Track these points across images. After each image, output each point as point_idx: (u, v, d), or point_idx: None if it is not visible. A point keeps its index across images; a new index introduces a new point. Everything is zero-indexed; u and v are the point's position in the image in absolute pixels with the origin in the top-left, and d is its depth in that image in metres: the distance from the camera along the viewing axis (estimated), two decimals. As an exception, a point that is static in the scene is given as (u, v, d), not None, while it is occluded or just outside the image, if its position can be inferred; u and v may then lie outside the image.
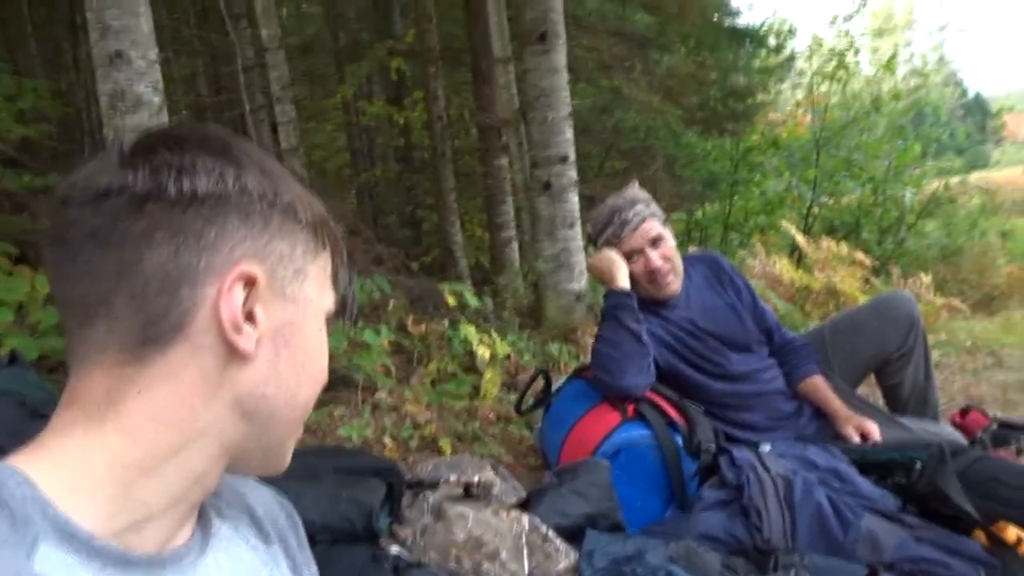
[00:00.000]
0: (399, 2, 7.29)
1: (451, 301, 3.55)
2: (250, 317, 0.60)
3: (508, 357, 3.60)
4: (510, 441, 2.97)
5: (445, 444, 2.82)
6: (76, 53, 8.29)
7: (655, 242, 2.43)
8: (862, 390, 2.75)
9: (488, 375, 3.38)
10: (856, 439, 2.22)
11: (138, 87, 2.78)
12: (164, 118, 2.87)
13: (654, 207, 2.50)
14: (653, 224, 2.44)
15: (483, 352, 3.41)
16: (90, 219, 0.56)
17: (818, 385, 2.44)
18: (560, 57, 4.11)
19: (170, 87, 2.92)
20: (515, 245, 5.66)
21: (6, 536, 0.50)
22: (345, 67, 9.38)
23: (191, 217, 0.58)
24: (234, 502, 0.75)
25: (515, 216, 5.73)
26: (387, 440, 2.80)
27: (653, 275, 2.42)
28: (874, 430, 2.22)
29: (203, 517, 0.67)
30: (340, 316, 0.72)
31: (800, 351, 2.54)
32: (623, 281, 2.38)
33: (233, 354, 0.60)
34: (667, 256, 2.43)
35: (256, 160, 0.63)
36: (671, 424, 2.20)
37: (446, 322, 3.72)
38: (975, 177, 10.12)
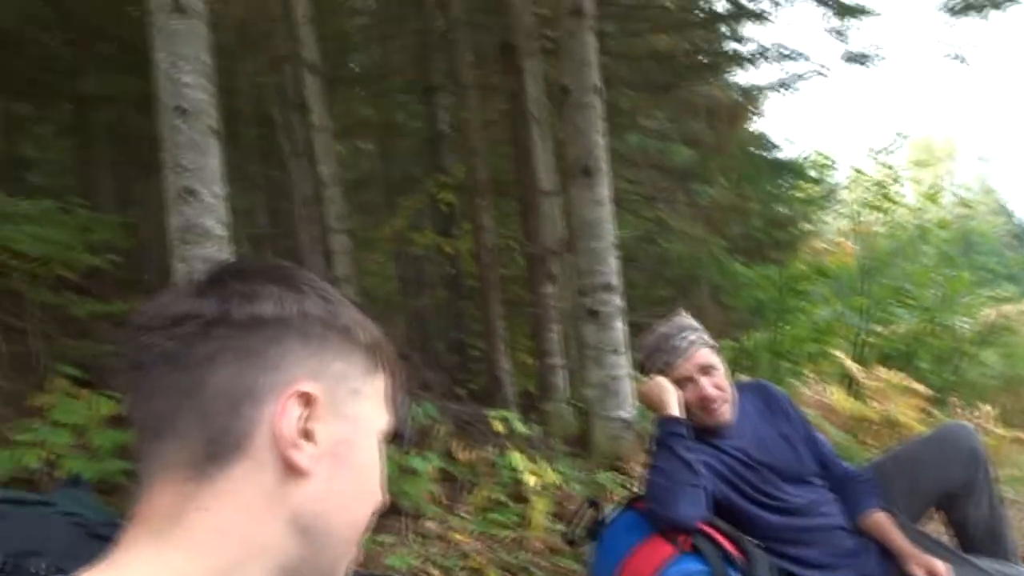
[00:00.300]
0: (448, 139, 7.67)
1: (499, 428, 3.54)
2: (308, 435, 0.62)
3: (556, 485, 3.54)
4: (560, 574, 2.88)
5: (493, 575, 2.74)
6: (146, 190, 8.85)
7: (706, 370, 2.42)
8: (931, 527, 2.63)
9: (537, 504, 3.31)
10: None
11: (206, 221, 2.94)
12: (227, 249, 3.01)
13: (704, 335, 2.50)
14: (704, 351, 2.43)
15: (531, 480, 3.36)
16: (163, 343, 0.60)
17: (881, 521, 2.33)
18: (604, 190, 4.25)
19: (231, 219, 3.09)
20: (562, 372, 5.66)
21: None
22: (396, 200, 9.81)
23: (254, 339, 0.61)
24: None
25: (562, 343, 5.75)
26: (433, 570, 2.73)
27: (705, 403, 2.39)
28: (943, 570, 2.10)
29: None
30: (396, 438, 0.73)
31: (861, 484, 2.44)
32: (675, 409, 2.35)
33: (291, 471, 0.61)
34: (719, 384, 2.41)
35: (315, 287, 0.67)
36: (728, 559, 2.11)
37: (494, 449, 3.69)
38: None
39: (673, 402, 2.37)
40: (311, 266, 5.74)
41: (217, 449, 0.60)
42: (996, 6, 6.15)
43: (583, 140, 4.21)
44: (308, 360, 0.63)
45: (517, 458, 3.39)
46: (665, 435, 2.31)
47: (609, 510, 2.65)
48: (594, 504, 2.64)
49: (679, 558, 2.10)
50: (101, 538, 1.72)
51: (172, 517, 0.59)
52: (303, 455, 0.61)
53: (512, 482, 3.58)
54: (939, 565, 2.11)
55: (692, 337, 2.45)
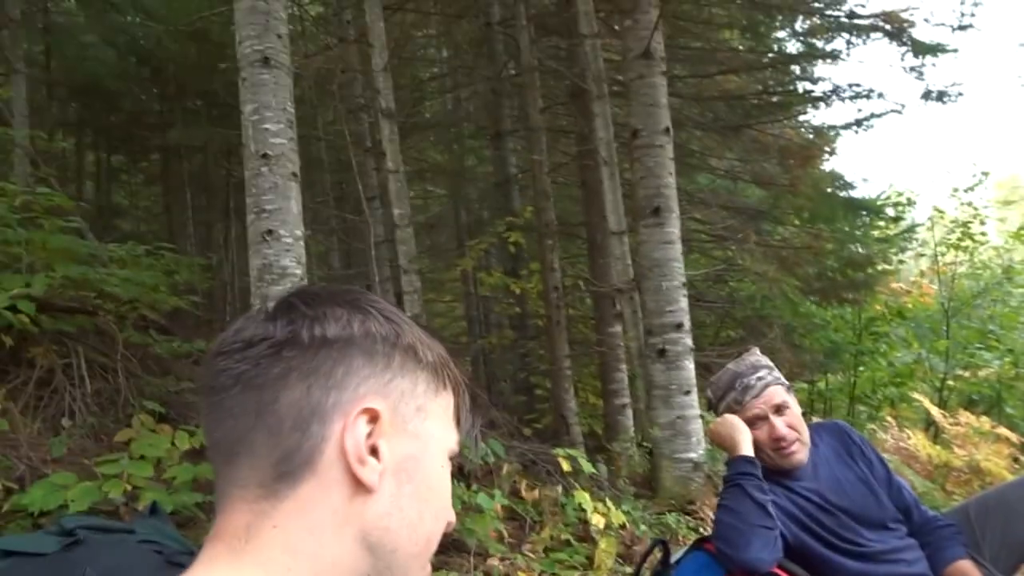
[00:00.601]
0: (518, 182, 7.80)
1: (565, 467, 3.53)
2: (374, 451, 0.64)
3: (623, 526, 3.49)
4: (626, 616, 2.83)
5: (559, 618, 2.71)
6: (227, 234, 9.25)
7: (779, 409, 2.37)
8: (1020, 578, 2.50)
9: (603, 544, 3.28)
10: None
11: (284, 260, 3.07)
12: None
13: (777, 373, 2.46)
14: (777, 390, 2.39)
15: (597, 520, 3.33)
16: (237, 366, 0.64)
17: (967, 571, 2.22)
18: (674, 230, 4.26)
19: (308, 262, 3.22)
20: (629, 412, 5.61)
21: None
22: (466, 242, 9.99)
23: (322, 359, 0.64)
24: None
25: (629, 383, 5.72)
26: (499, 611, 2.73)
27: (778, 443, 2.34)
28: None
29: None
30: (462, 469, 0.76)
31: (945, 531, 2.34)
32: (747, 448, 2.31)
33: (358, 487, 0.63)
34: (792, 424, 2.36)
35: (380, 308, 0.70)
36: (802, 605, 2.06)
37: (560, 488, 3.68)
38: None
39: (746, 441, 2.33)
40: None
41: (288, 467, 0.63)
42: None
43: (653, 180, 4.23)
44: (373, 378, 0.66)
45: (584, 497, 3.37)
46: (736, 475, 2.27)
47: (678, 552, 2.61)
48: (663, 545, 2.61)
49: (750, 602, 2.06)
50: (179, 566, 1.80)
51: (246, 534, 0.62)
52: (369, 471, 0.63)
53: (578, 522, 3.55)
54: None
55: (765, 375, 2.42)
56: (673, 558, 2.56)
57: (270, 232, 3.04)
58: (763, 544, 2.15)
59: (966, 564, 2.23)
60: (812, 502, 2.34)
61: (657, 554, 2.62)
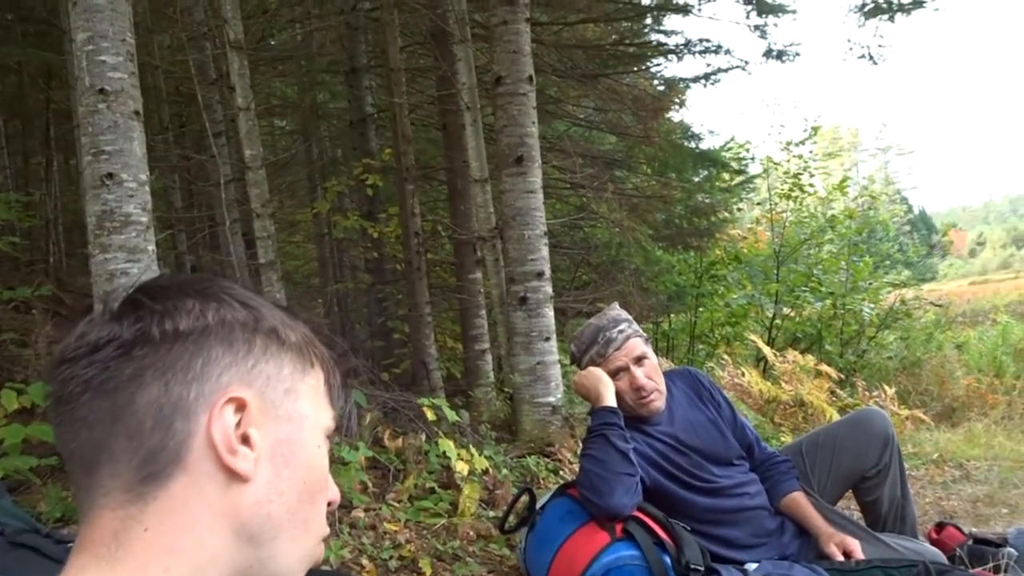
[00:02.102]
0: (375, 122, 7.56)
1: (430, 415, 3.55)
2: (245, 440, 0.63)
3: (486, 472, 3.57)
4: (491, 561, 2.92)
5: (425, 565, 2.76)
6: (48, 167, 8.42)
7: (639, 360, 2.50)
8: (841, 506, 2.79)
9: (466, 491, 3.34)
10: (839, 557, 2.23)
11: (127, 207, 2.84)
12: (151, 237, 2.92)
13: (636, 327, 2.58)
14: (637, 343, 2.52)
15: (461, 467, 3.38)
16: (85, 372, 0.61)
17: (799, 501, 2.46)
18: (536, 179, 4.29)
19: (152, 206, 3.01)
20: (489, 357, 5.70)
21: None
22: (318, 182, 9.63)
23: (177, 353, 0.62)
24: None
25: (489, 329, 5.80)
26: (365, 561, 2.74)
27: (639, 392, 2.48)
28: (856, 548, 2.24)
29: None
30: (338, 432, 0.76)
31: (782, 467, 2.58)
32: (610, 399, 2.43)
33: (232, 478, 0.62)
34: (651, 374, 2.50)
35: (234, 294, 0.68)
36: (659, 543, 2.20)
37: (423, 436, 3.71)
38: (925, 290, 10.51)
39: (608, 392, 2.45)
40: (232, 251, 5.59)
41: (154, 468, 0.60)
42: (903, 10, 6.45)
43: (516, 129, 4.23)
44: (235, 366, 0.64)
45: (448, 445, 3.41)
46: (600, 425, 2.38)
47: (543, 497, 2.71)
48: (528, 491, 2.71)
49: (613, 545, 2.18)
50: (20, 546, 1.67)
51: (116, 541, 0.60)
52: (242, 460, 0.62)
53: (441, 469, 3.60)
54: (852, 542, 2.25)
55: (626, 329, 2.54)
56: (538, 504, 2.66)
57: (110, 176, 2.80)
58: (625, 490, 2.28)
59: (799, 495, 2.47)
60: (668, 445, 2.50)
61: (524, 500, 2.72)
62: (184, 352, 0.62)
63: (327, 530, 0.70)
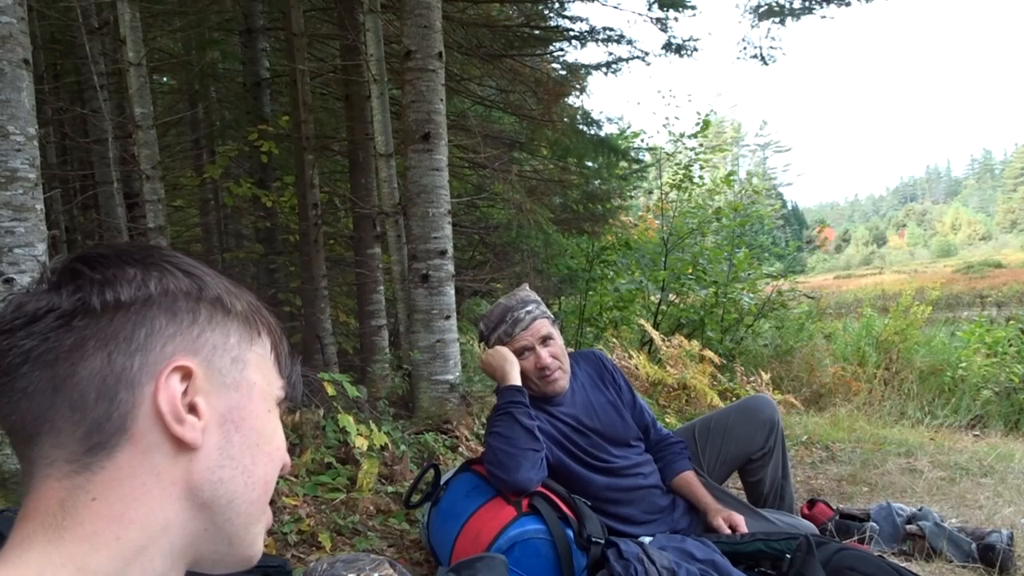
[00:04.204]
0: (271, 86, 7.31)
1: (330, 391, 3.50)
2: (193, 409, 0.63)
3: (384, 447, 3.57)
4: (392, 535, 2.93)
5: (325, 539, 2.74)
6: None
7: (545, 340, 2.57)
8: (727, 485, 2.96)
9: (365, 466, 3.33)
10: (726, 530, 2.39)
11: (14, 162, 2.65)
12: (39, 195, 2.74)
13: (544, 308, 2.65)
14: (543, 323, 2.58)
15: (360, 443, 3.37)
16: (23, 343, 0.59)
17: (690, 480, 2.61)
18: (442, 157, 4.28)
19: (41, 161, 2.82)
20: (385, 333, 5.67)
21: None
22: (204, 145, 9.20)
23: (119, 324, 0.61)
24: None
25: (386, 305, 5.76)
26: (265, 536, 2.69)
27: (543, 372, 2.55)
28: (741, 522, 2.40)
29: None
30: (288, 400, 0.76)
31: (675, 448, 2.72)
32: (515, 378, 2.49)
33: (181, 447, 0.62)
34: (556, 354, 2.58)
35: (177, 263, 0.67)
36: (563, 518, 2.28)
37: (321, 411, 3.66)
38: (795, 282, 11.16)
39: (514, 372, 2.51)
40: (116, 213, 5.30)
41: (100, 438, 0.60)
42: (793, 14, 6.80)
43: (424, 106, 4.20)
44: (180, 336, 0.64)
45: (348, 420, 3.38)
46: (507, 403, 2.44)
47: (447, 473, 2.75)
48: (434, 467, 2.73)
49: (519, 519, 2.24)
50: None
51: (63, 510, 0.59)
52: (189, 429, 0.62)
53: (339, 444, 3.57)
54: (737, 517, 2.42)
55: (533, 309, 2.60)
56: (443, 479, 2.70)
57: (-5, 128, 2.60)
58: (531, 465, 2.35)
59: (689, 475, 2.62)
60: (569, 425, 2.59)
61: (429, 476, 2.75)
62: (127, 323, 0.61)
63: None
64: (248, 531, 0.68)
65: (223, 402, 0.65)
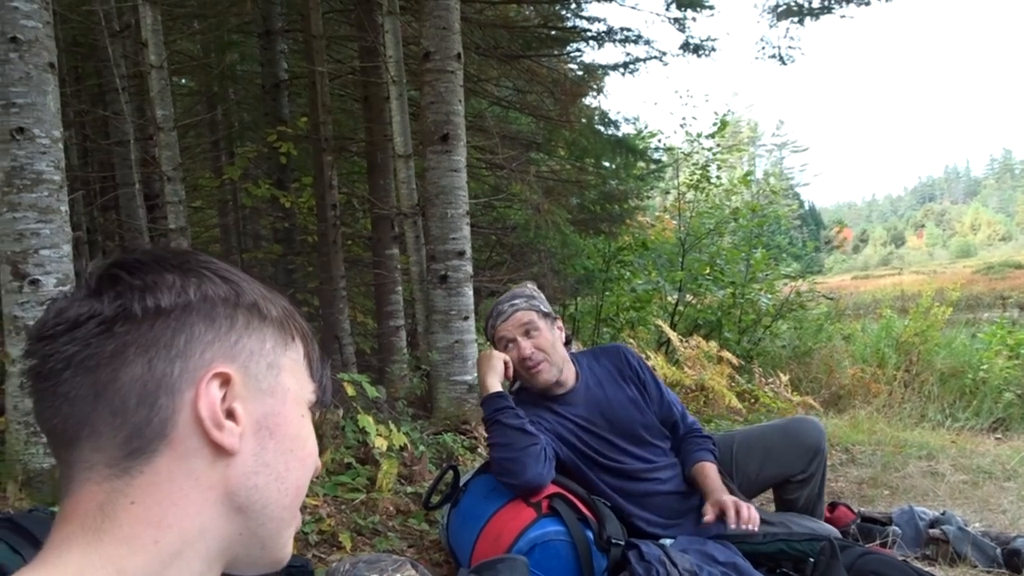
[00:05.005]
0: (289, 88, 7.35)
1: (349, 391, 3.52)
2: (231, 415, 0.63)
3: (403, 448, 3.58)
4: (411, 536, 2.94)
5: (345, 539, 2.76)
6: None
7: (527, 331, 2.53)
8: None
9: (385, 466, 3.34)
10: (709, 517, 2.24)
11: (39, 164, 2.69)
12: (64, 197, 2.77)
13: (536, 302, 2.59)
14: (526, 315, 2.54)
15: (380, 443, 3.38)
16: (66, 348, 0.60)
17: (707, 470, 2.46)
18: (461, 158, 4.29)
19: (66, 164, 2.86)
20: (403, 334, 5.69)
21: None
22: (224, 147, 9.27)
23: (159, 330, 0.62)
24: None
25: (404, 306, 5.77)
26: (285, 536, 2.71)
27: (524, 363, 2.52)
28: (731, 511, 2.20)
29: None
30: (319, 404, 0.77)
31: (698, 439, 2.60)
32: (493, 385, 2.47)
33: (219, 452, 0.62)
34: (540, 346, 2.51)
35: (215, 269, 0.67)
36: (582, 520, 2.28)
37: (340, 412, 3.68)
38: (813, 283, 11.08)
39: (491, 378, 2.48)
40: (137, 215, 5.35)
41: (140, 444, 0.60)
42: (812, 14, 6.76)
43: (443, 107, 4.21)
44: (218, 342, 0.64)
45: (368, 420, 3.40)
46: (492, 412, 2.43)
47: (467, 474, 2.75)
48: (453, 469, 2.74)
49: (539, 521, 2.25)
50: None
51: (102, 513, 0.60)
52: (228, 435, 0.62)
53: (358, 444, 3.59)
54: (729, 505, 2.21)
55: (519, 303, 2.57)
56: (462, 481, 2.70)
57: (21, 130, 2.64)
58: (536, 460, 2.33)
59: (709, 465, 2.48)
60: (579, 424, 2.54)
61: (448, 477, 2.76)
62: (167, 329, 0.62)
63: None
64: (280, 535, 0.68)
65: (259, 408, 0.66)
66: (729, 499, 2.25)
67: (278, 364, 0.68)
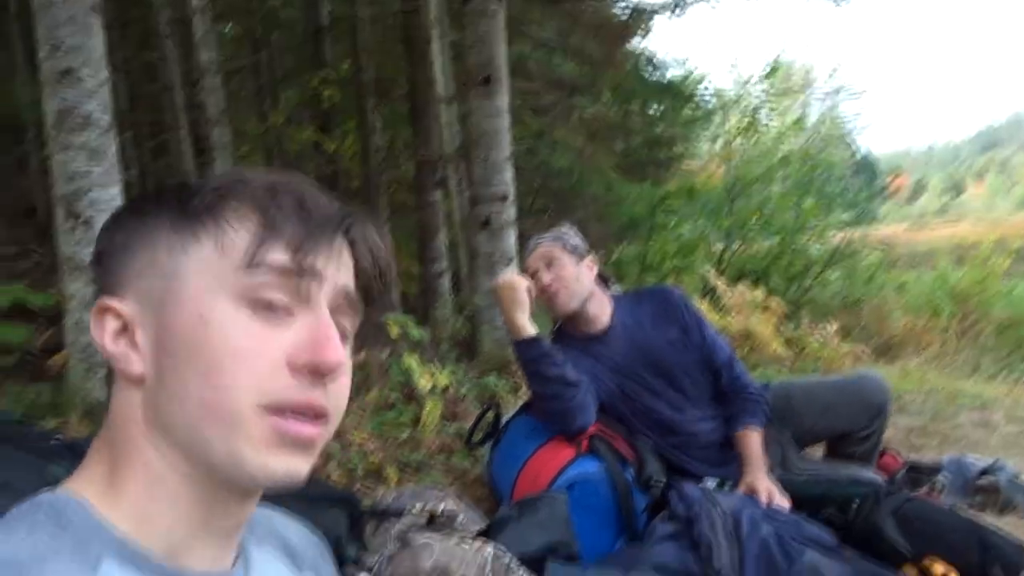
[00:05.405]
0: (330, 32, 7.30)
1: (394, 332, 3.56)
2: (133, 342, 0.60)
3: (447, 388, 3.62)
4: (455, 472, 3.00)
5: (391, 473, 2.82)
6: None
7: (549, 263, 2.50)
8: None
9: (429, 406, 3.39)
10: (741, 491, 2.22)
11: (87, 106, 2.72)
12: (112, 138, 2.81)
13: (566, 239, 2.53)
14: (550, 248, 2.51)
15: (424, 383, 3.43)
16: None
17: (749, 440, 2.39)
18: (503, 101, 4.23)
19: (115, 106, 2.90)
20: (447, 278, 5.71)
21: (72, 556, 0.54)
22: (267, 92, 9.29)
23: (97, 273, 0.64)
24: (270, 533, 0.78)
25: (447, 250, 5.79)
26: (333, 467, 2.78)
27: (543, 293, 2.50)
28: (762, 496, 2.15)
29: (244, 546, 0.70)
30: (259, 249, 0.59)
31: (748, 401, 2.49)
32: (524, 324, 2.33)
33: (131, 382, 0.60)
34: (560, 276, 2.47)
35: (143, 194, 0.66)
36: (622, 459, 2.29)
37: (386, 352, 3.73)
38: (864, 232, 10.80)
39: (523, 316, 2.34)
40: (186, 159, 5.42)
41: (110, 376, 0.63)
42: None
43: (485, 49, 4.14)
44: (116, 269, 0.62)
45: (412, 361, 3.44)
46: (527, 363, 2.34)
47: (508, 414, 2.78)
48: (495, 408, 2.77)
49: (578, 460, 2.26)
50: (3, 439, 1.66)
51: (116, 432, 0.62)
52: (129, 363, 0.60)
53: (403, 384, 3.64)
54: (763, 496, 2.16)
55: (546, 238, 2.55)
56: (504, 420, 2.73)
57: (68, 72, 2.67)
58: (580, 411, 2.32)
59: (752, 434, 2.40)
60: (616, 368, 2.49)
61: (489, 416, 2.79)
62: (103, 268, 0.64)
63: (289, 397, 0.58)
64: (236, 454, 0.57)
65: (154, 326, 0.60)
66: (762, 487, 2.19)
67: (176, 272, 0.59)
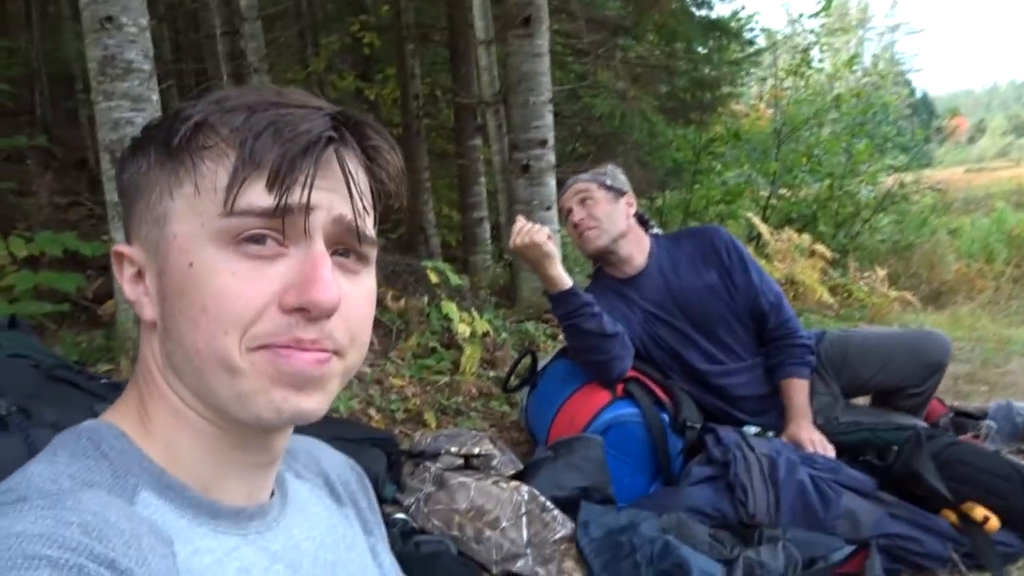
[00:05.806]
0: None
1: (433, 278, 3.59)
2: (145, 287, 0.61)
3: (486, 334, 3.65)
4: (492, 416, 3.04)
5: (430, 417, 2.87)
6: (28, 10, 8.03)
7: (582, 200, 2.47)
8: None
9: (468, 351, 3.42)
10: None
11: (129, 53, 2.74)
12: (154, 85, 2.83)
13: (602, 177, 2.49)
14: (585, 186, 2.47)
15: (463, 329, 3.46)
16: None
17: (792, 390, 2.35)
18: (543, 42, 4.16)
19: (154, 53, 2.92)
20: (487, 225, 5.71)
21: (111, 485, 0.55)
22: (308, 39, 9.25)
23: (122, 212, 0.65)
24: (310, 466, 0.79)
25: (487, 197, 5.77)
26: (373, 412, 2.84)
27: (575, 229, 2.49)
28: (807, 448, 2.15)
29: (282, 479, 0.71)
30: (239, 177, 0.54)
31: (795, 349, 2.42)
32: (560, 275, 2.25)
33: (148, 327, 0.62)
34: (592, 214, 2.44)
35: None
36: (658, 403, 2.29)
37: (425, 299, 3.76)
38: (922, 175, 10.45)
39: (556, 267, 2.25)
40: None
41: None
42: None
43: (524, -12, 4.05)
44: (129, 213, 0.63)
45: (451, 307, 3.47)
46: (565, 316, 2.29)
47: (545, 359, 2.79)
48: (532, 354, 2.78)
49: (614, 403, 2.26)
50: (57, 380, 1.72)
51: (145, 372, 0.63)
52: (143, 308, 0.61)
53: (443, 330, 3.68)
54: (807, 443, 2.16)
55: (583, 177, 2.53)
56: (540, 365, 2.74)
57: (109, 19, 2.69)
58: (620, 360, 2.30)
59: (797, 382, 2.35)
60: (650, 314, 2.46)
61: (526, 361, 2.81)
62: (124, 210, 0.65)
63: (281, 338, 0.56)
64: (245, 397, 0.57)
65: (155, 271, 0.60)
66: (806, 436, 2.18)
67: (165, 213, 0.58)
